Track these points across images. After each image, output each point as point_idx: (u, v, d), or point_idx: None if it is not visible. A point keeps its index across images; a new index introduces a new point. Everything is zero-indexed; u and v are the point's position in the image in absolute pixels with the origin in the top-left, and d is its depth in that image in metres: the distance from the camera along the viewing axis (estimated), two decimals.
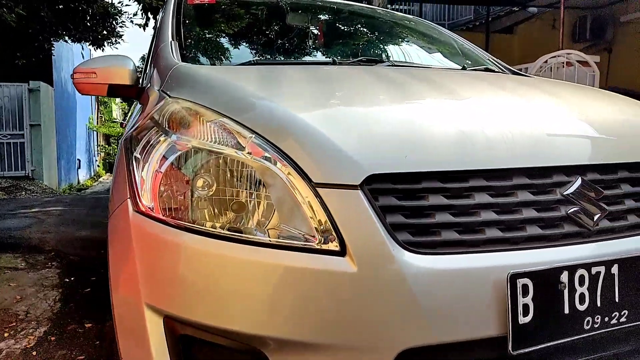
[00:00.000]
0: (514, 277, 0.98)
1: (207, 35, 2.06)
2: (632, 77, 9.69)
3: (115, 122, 21.15)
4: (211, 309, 0.99)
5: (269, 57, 1.97)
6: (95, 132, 19.03)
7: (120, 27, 6.49)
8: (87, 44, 6.49)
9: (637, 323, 1.12)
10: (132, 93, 1.91)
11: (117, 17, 6.32)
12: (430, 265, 0.97)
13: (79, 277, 3.03)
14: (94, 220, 5.00)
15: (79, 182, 13.91)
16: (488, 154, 1.08)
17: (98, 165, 19.19)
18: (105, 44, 6.51)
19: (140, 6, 6.20)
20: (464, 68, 2.00)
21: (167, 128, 1.18)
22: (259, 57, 1.92)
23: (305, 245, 0.98)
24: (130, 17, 6.71)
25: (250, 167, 1.05)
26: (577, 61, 5.83)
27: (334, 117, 1.13)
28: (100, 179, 17.31)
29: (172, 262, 1.03)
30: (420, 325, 0.95)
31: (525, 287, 0.99)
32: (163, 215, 1.07)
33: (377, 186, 1.00)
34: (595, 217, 1.11)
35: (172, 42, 1.83)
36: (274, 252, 0.98)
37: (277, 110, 1.12)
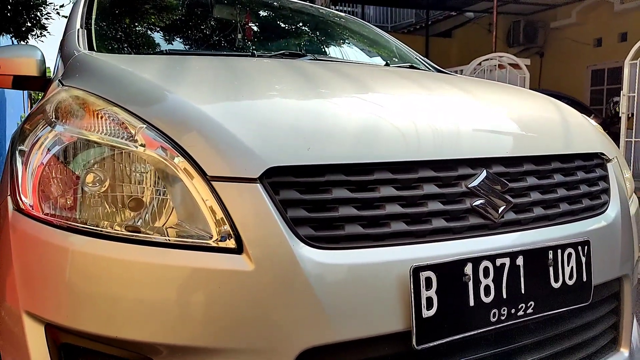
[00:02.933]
0: (416, 271, 0.96)
1: (121, 24, 1.94)
2: (561, 79, 10.24)
3: None
4: (97, 316, 0.91)
5: (186, 48, 1.89)
6: None
7: (46, 19, 6.12)
8: (9, 36, 6.07)
9: (544, 314, 1.13)
10: (39, 85, 1.78)
11: (42, 8, 5.95)
12: (332, 261, 0.94)
13: None
14: None
15: None
16: (393, 147, 1.06)
17: None
18: (29, 36, 6.12)
19: None
20: (387, 64, 2.00)
21: (53, 118, 1.08)
22: (175, 48, 1.83)
23: (201, 243, 0.92)
24: (57, 9, 6.31)
25: (144, 161, 0.98)
26: (509, 64, 6.06)
27: (235, 108, 1.08)
28: None
29: (54, 265, 0.94)
30: (322, 323, 0.92)
31: (428, 280, 0.97)
32: (45, 214, 0.98)
33: (277, 179, 0.95)
34: (500, 209, 1.12)
35: (80, 30, 1.71)
36: (166, 251, 0.92)
37: (172, 100, 1.06)
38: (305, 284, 0.91)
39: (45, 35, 6.25)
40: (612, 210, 1.34)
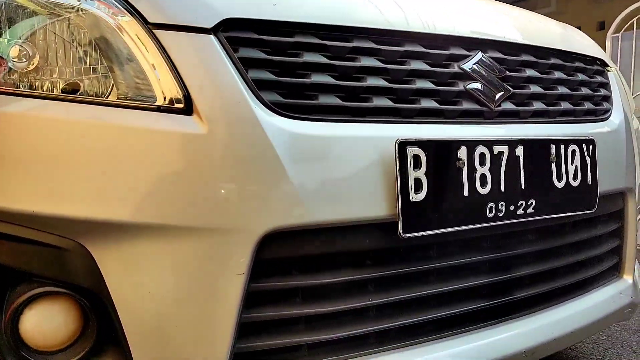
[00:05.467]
0: (402, 145, 0.81)
1: None
2: None
3: None
4: (10, 188, 0.73)
5: None
6: None
7: None
8: None
9: (545, 216, 1.00)
10: None
11: None
12: (303, 131, 0.78)
13: None
14: None
15: None
16: (376, 13, 0.91)
17: None
18: None
19: None
20: None
21: None
22: None
23: (141, 104, 0.75)
24: None
25: (74, 21, 0.80)
26: None
27: None
28: None
29: None
30: (290, 201, 0.76)
31: (416, 159, 0.82)
32: None
33: (236, 35, 0.79)
34: (497, 96, 0.98)
35: None
36: (101, 110, 0.75)
37: None
38: (270, 153, 0.75)
39: None
40: (616, 118, 1.22)
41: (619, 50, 4.75)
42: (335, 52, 0.85)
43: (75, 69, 0.79)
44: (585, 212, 1.06)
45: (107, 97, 0.76)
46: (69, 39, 0.80)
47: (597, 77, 1.25)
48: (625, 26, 4.78)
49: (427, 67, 0.93)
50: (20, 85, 0.79)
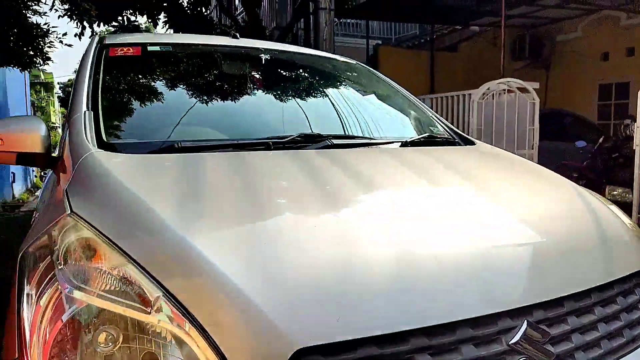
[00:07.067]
0: None
1: (130, 103, 1.85)
2: (567, 95, 10.13)
3: (54, 127, 20.19)
4: None
5: (197, 130, 1.77)
6: None
7: (49, 47, 6.05)
8: (12, 66, 6.00)
9: None
10: (44, 162, 1.68)
11: (45, 38, 5.88)
12: None
13: None
14: None
15: (13, 197, 12.79)
16: (430, 308, 0.97)
17: (35, 176, 17.86)
18: (33, 65, 6.05)
19: (75, 22, 5.77)
20: (406, 143, 1.88)
21: (62, 266, 0.99)
22: (185, 133, 1.71)
23: None
24: (60, 37, 6.26)
25: (159, 335, 0.89)
26: (518, 88, 5.96)
27: (261, 271, 0.96)
28: (37, 192, 16.24)
29: None
30: None
31: None
32: None
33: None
34: None
35: (87, 112, 1.60)
36: None
37: (194, 261, 0.95)
38: None
39: (48, 64, 6.19)
40: None
41: None
42: (394, 359, 0.91)
43: None
44: None
45: None
46: None
47: (636, 291, 1.28)
48: None
49: (476, 352, 0.98)
50: None
